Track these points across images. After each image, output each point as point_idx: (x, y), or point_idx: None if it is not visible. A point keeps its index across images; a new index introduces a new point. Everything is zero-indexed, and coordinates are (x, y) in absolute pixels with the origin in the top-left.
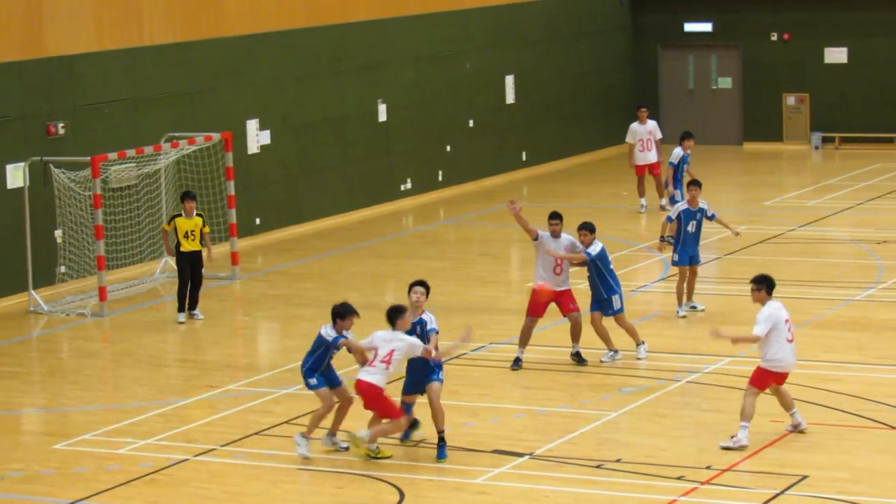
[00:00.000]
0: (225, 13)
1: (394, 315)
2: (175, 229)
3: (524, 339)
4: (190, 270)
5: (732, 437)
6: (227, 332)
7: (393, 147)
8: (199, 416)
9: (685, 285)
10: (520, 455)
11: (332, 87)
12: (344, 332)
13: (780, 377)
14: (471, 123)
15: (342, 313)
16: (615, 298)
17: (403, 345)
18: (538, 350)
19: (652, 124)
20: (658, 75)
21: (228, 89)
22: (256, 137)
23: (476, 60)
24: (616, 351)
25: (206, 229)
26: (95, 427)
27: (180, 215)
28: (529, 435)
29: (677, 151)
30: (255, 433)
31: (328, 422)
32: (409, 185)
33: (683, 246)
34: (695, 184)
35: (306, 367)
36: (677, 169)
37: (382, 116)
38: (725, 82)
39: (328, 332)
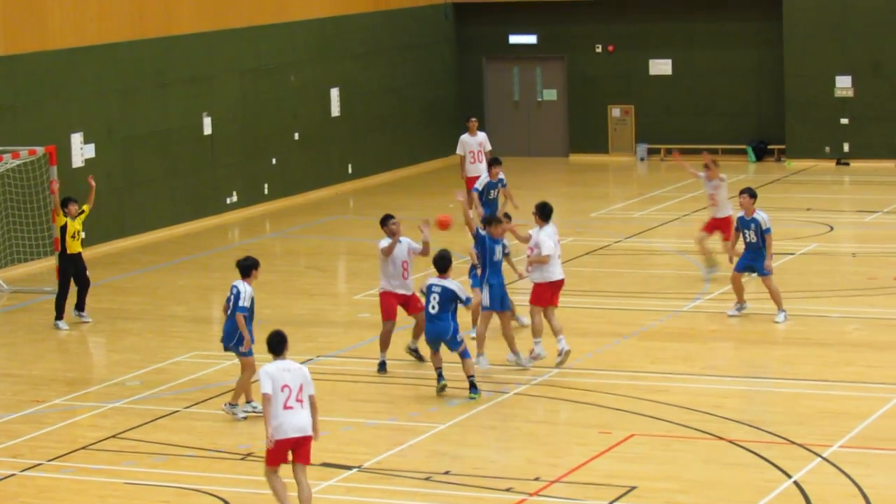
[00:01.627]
0: (48, 26)
1: (280, 344)
2: (65, 227)
3: (385, 343)
4: (74, 275)
5: (531, 352)
6: (53, 346)
7: (218, 160)
8: (25, 431)
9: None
10: (348, 468)
11: (157, 101)
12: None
13: (556, 287)
14: (296, 136)
15: (255, 264)
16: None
17: (304, 375)
18: (364, 363)
19: (482, 136)
20: (483, 87)
21: (52, 103)
22: (81, 151)
23: (301, 73)
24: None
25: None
26: None
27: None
28: (358, 447)
29: (483, 178)
30: (82, 448)
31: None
32: (234, 199)
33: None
34: (506, 217)
35: (236, 338)
36: (482, 194)
37: (207, 129)
38: (551, 94)
39: (246, 286)
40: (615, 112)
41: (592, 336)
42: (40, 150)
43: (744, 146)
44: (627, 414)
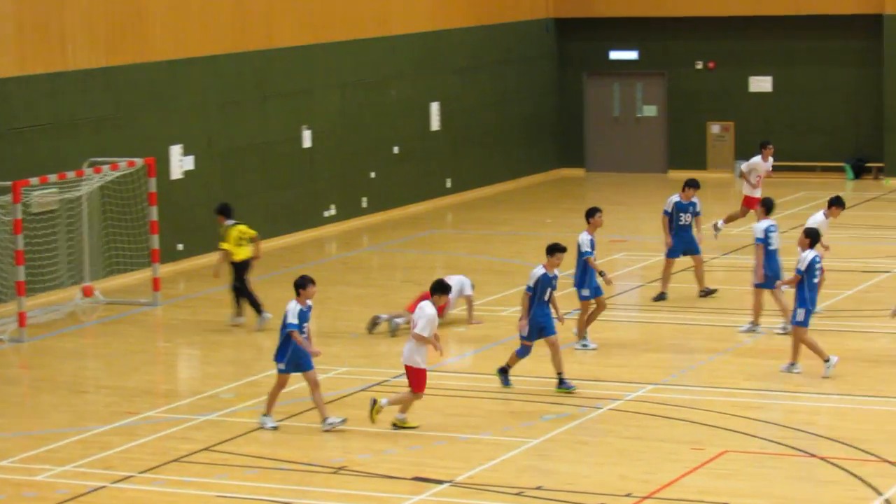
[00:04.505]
0: (149, 38)
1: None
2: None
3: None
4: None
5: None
6: (148, 358)
7: (317, 173)
8: (117, 443)
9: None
10: (440, 482)
11: (257, 113)
12: (308, 302)
13: None
14: (395, 150)
15: (304, 284)
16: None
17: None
18: (460, 377)
19: (770, 162)
20: (583, 103)
21: (152, 114)
22: (180, 163)
23: (401, 87)
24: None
25: (254, 233)
26: (12, 454)
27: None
28: (450, 462)
29: (672, 198)
30: (174, 460)
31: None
32: (333, 212)
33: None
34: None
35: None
36: (672, 218)
37: (307, 143)
38: (650, 110)
39: (294, 306)
40: (714, 128)
41: (690, 352)
42: (139, 161)
43: (842, 164)
44: (720, 430)
